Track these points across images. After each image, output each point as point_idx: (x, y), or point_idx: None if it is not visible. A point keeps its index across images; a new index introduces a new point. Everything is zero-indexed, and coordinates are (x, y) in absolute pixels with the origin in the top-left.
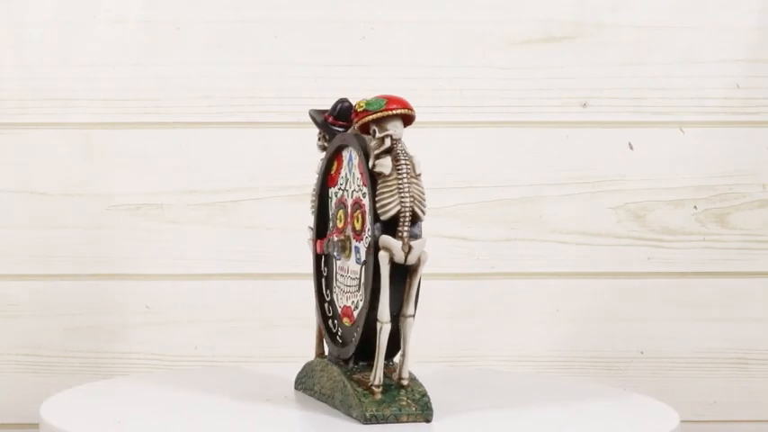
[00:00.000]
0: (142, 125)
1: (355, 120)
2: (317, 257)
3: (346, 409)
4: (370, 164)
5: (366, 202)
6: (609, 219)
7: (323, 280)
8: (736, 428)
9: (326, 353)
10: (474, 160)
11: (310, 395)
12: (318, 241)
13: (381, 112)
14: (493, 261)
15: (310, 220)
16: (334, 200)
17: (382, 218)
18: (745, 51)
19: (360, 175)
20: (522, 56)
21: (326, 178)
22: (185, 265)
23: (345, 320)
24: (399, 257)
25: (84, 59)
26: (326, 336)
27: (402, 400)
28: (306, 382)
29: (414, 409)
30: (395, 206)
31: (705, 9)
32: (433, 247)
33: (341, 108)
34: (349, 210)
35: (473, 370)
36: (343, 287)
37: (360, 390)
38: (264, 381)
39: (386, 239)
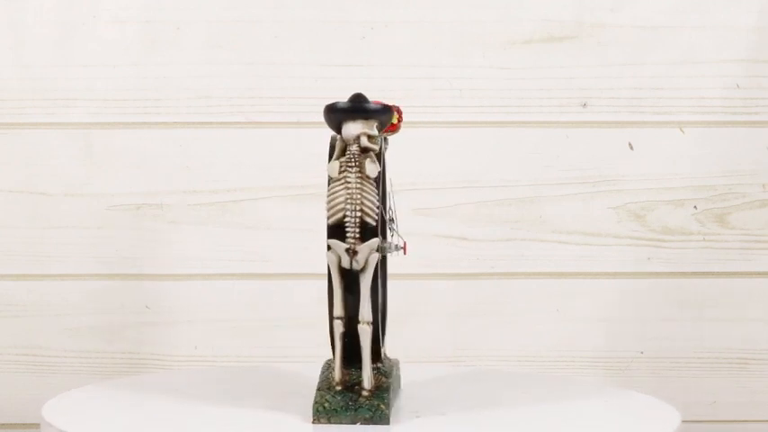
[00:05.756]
0: (142, 125)
1: (400, 125)
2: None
3: None
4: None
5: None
6: (609, 219)
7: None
8: (736, 428)
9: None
10: (474, 160)
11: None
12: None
13: None
14: (493, 261)
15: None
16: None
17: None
18: (745, 51)
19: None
20: (522, 56)
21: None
22: (185, 265)
23: None
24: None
25: (84, 59)
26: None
27: None
28: None
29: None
30: None
31: (705, 9)
32: (433, 248)
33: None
34: None
35: (473, 370)
36: None
37: None
38: (265, 381)
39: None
